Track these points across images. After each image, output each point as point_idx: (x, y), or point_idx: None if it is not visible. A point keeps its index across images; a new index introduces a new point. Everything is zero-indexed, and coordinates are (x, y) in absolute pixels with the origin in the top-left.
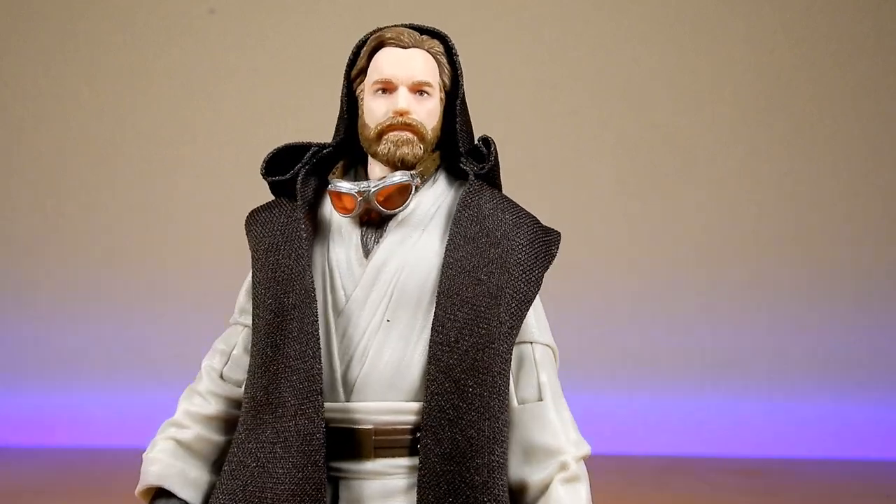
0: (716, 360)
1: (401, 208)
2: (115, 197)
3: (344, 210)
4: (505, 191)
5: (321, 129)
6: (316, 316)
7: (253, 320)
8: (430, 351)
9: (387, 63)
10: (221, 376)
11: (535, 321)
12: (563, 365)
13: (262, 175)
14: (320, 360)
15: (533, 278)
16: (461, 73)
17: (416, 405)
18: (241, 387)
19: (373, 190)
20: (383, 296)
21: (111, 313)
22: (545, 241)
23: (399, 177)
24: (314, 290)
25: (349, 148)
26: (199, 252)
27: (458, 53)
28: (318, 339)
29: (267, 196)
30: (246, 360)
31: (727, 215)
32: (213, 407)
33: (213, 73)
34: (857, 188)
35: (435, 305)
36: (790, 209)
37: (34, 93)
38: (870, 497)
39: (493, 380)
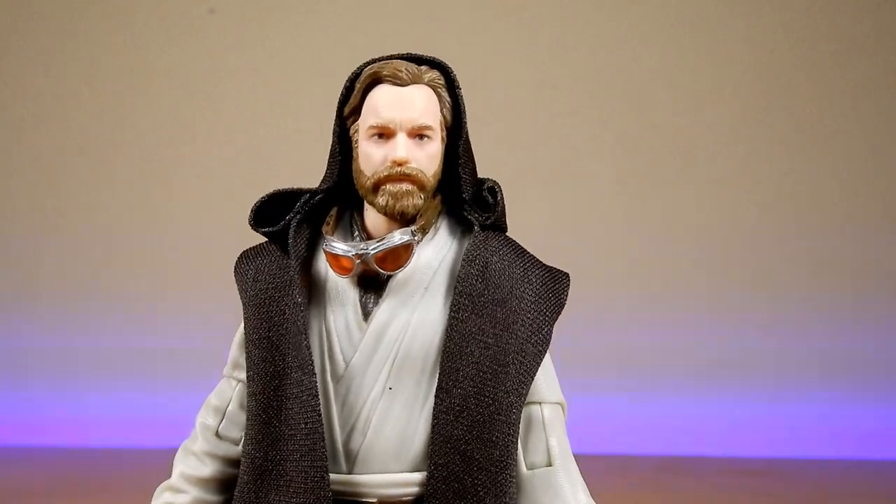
0: (716, 360)
1: (401, 269)
2: (115, 197)
3: (342, 270)
4: (504, 192)
5: (321, 129)
6: (315, 387)
7: (248, 381)
8: (434, 420)
9: (384, 105)
10: (217, 434)
11: (544, 378)
12: (562, 365)
13: (251, 226)
14: (323, 436)
15: (541, 337)
16: (464, 109)
17: (420, 476)
18: (238, 444)
19: (371, 252)
20: (385, 361)
21: (111, 313)
22: (554, 291)
23: (399, 237)
24: (311, 358)
25: (341, 191)
26: (199, 252)
27: (461, 86)
28: (320, 411)
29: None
30: (242, 417)
31: (727, 215)
32: (210, 468)
33: (213, 73)
34: (857, 188)
35: (439, 372)
36: (790, 209)
37: (34, 93)
38: (870, 497)
39: (500, 452)
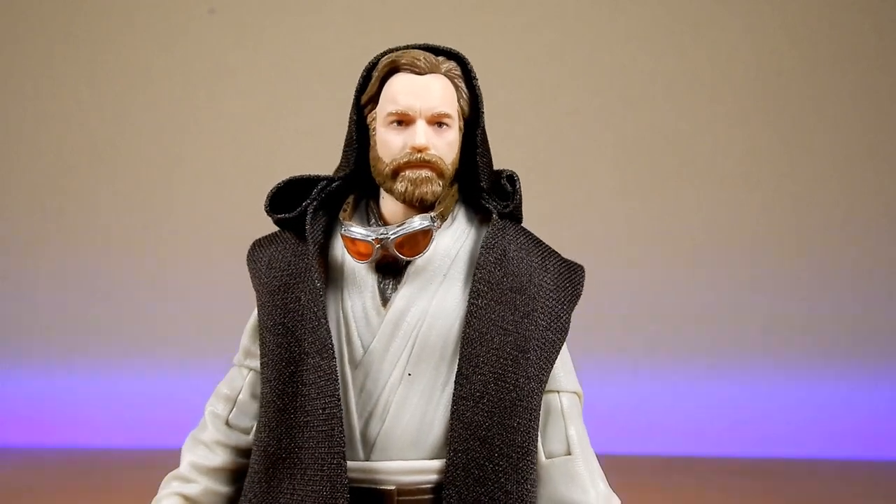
0: (716, 359)
1: (420, 254)
2: (115, 197)
3: (359, 256)
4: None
5: (321, 130)
6: (335, 371)
7: (262, 367)
8: (453, 406)
9: (402, 92)
10: (227, 424)
11: (562, 367)
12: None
13: (267, 212)
14: (342, 420)
15: (560, 325)
16: (481, 98)
17: (438, 463)
18: (248, 434)
19: (391, 237)
20: (403, 348)
21: (111, 313)
22: (571, 281)
23: (419, 222)
24: (332, 342)
25: (357, 179)
26: (199, 251)
27: (478, 77)
28: (339, 396)
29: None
30: (253, 406)
31: (727, 215)
32: (220, 458)
33: (213, 73)
34: (857, 188)
35: (459, 358)
36: (790, 209)
37: (34, 93)
38: (870, 497)
39: (521, 438)
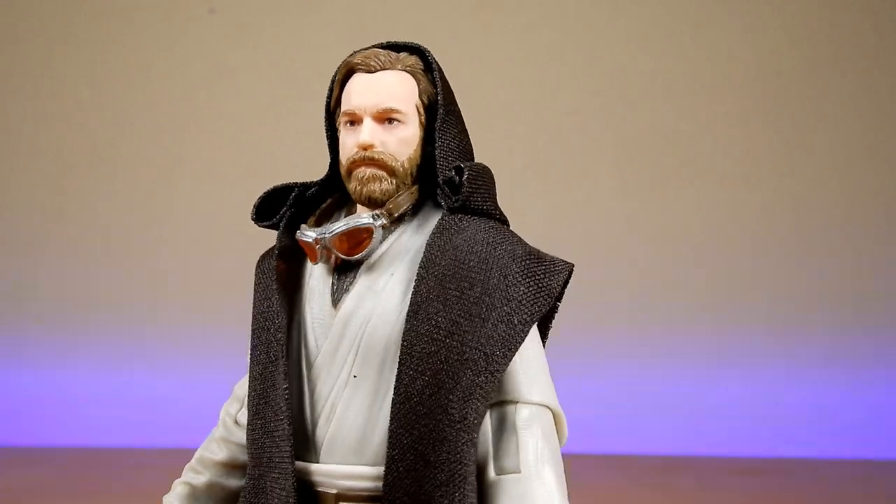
0: (715, 359)
1: (363, 253)
2: (115, 197)
3: (312, 258)
4: (503, 192)
5: (321, 130)
6: (283, 375)
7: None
8: (391, 413)
9: (354, 92)
10: (236, 422)
11: (524, 376)
12: (563, 364)
13: (253, 220)
14: (289, 421)
15: (513, 330)
16: (441, 91)
17: (377, 470)
18: None
19: (328, 236)
20: (350, 349)
21: (111, 313)
22: (540, 284)
23: (356, 220)
24: (282, 346)
25: (338, 183)
26: (199, 251)
27: (440, 68)
28: (287, 398)
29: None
30: None
31: (727, 215)
32: (223, 454)
33: (213, 73)
34: (857, 188)
35: (398, 361)
36: (790, 209)
37: (34, 93)
38: (870, 497)
39: (459, 448)
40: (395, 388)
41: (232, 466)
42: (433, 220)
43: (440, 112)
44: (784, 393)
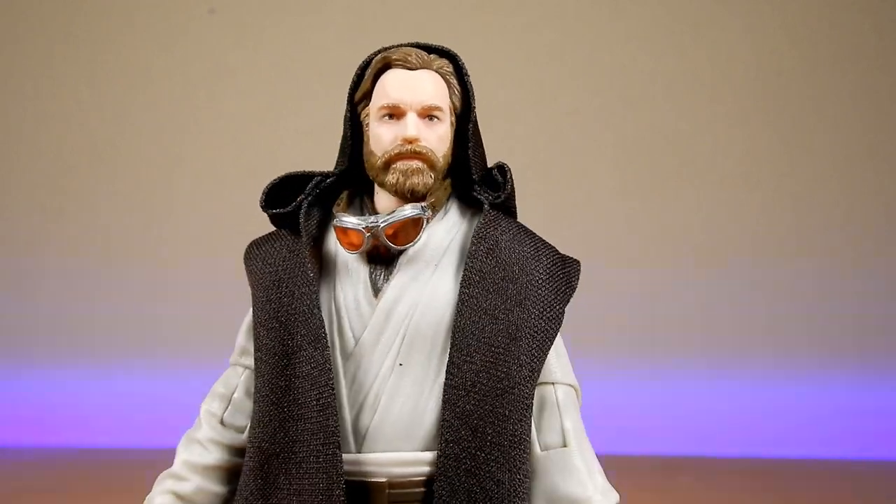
0: (715, 359)
1: (412, 243)
2: (115, 197)
3: (350, 246)
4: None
5: (321, 130)
6: (329, 361)
7: (256, 363)
8: (444, 396)
9: (394, 86)
10: (222, 422)
11: (557, 359)
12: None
13: (262, 207)
14: (336, 411)
15: (553, 314)
16: (472, 94)
17: (430, 455)
18: (243, 433)
19: (381, 225)
20: (394, 338)
21: (111, 313)
22: (565, 273)
23: (409, 210)
24: (325, 332)
25: (353, 176)
26: (199, 251)
27: (469, 73)
28: (332, 386)
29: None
30: (248, 405)
31: (727, 215)
32: (214, 456)
33: (213, 73)
34: (857, 188)
35: (450, 347)
36: (790, 209)
37: (34, 93)
38: (870, 497)
39: (513, 427)
40: (447, 372)
41: (223, 469)
42: (458, 214)
43: (473, 114)
44: (784, 393)
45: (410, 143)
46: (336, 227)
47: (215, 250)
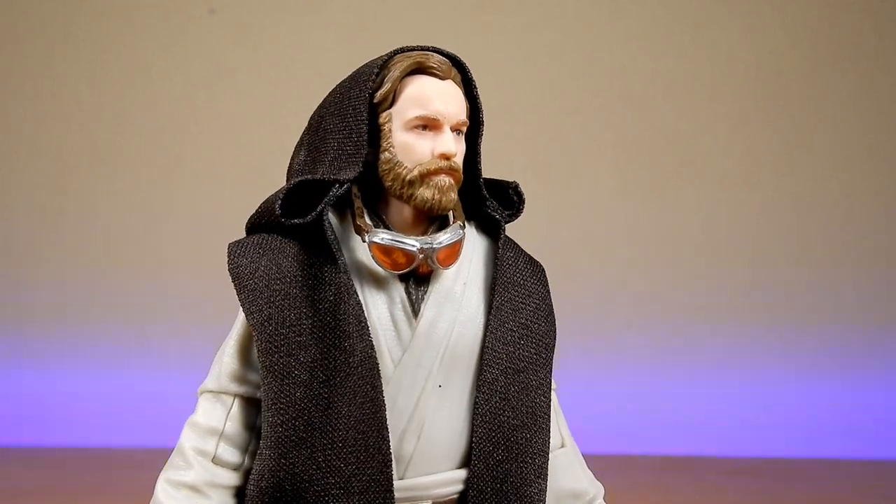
0: (715, 359)
1: (453, 264)
2: (115, 197)
3: (394, 266)
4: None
5: None
6: (380, 385)
7: (272, 390)
8: (477, 412)
9: (431, 96)
10: (214, 461)
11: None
12: (562, 364)
13: (280, 219)
14: (387, 440)
15: (553, 321)
16: (481, 107)
17: (463, 472)
18: (237, 470)
19: (436, 247)
20: (434, 360)
21: (111, 313)
22: (545, 283)
23: (457, 232)
24: (375, 353)
25: (359, 182)
26: (199, 252)
27: (478, 79)
28: (384, 412)
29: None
30: (242, 438)
31: (727, 215)
32: (214, 502)
33: (213, 73)
34: (857, 188)
35: (482, 364)
36: (790, 209)
37: (34, 93)
38: (870, 497)
39: (541, 437)
40: (479, 389)
41: None
42: (473, 229)
43: (482, 128)
44: (784, 393)
45: (447, 158)
46: (376, 245)
47: (215, 250)
